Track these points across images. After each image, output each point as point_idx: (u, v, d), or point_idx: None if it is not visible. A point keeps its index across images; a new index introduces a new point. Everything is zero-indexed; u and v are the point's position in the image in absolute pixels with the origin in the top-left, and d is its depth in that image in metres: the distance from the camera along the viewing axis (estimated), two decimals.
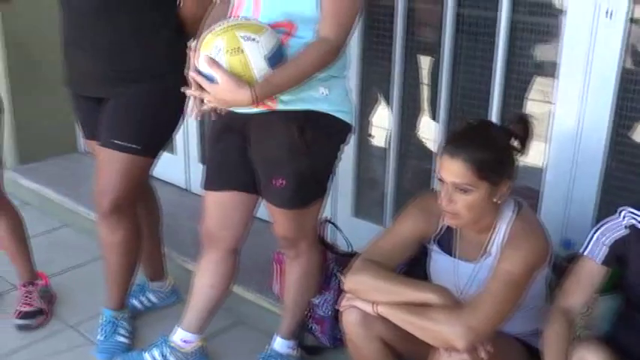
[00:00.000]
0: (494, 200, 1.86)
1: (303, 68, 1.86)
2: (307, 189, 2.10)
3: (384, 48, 2.80)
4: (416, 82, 2.84)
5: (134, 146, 2.32)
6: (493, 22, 2.47)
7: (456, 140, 1.87)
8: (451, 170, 1.82)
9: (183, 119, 2.40)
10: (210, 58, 1.79)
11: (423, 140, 2.92)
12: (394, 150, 2.89)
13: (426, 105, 2.87)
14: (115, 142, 2.32)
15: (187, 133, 3.70)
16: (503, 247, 1.89)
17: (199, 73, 1.83)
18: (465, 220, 1.88)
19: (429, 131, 2.83)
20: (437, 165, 1.89)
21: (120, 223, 2.43)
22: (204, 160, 3.70)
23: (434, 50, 2.72)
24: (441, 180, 1.86)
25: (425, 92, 2.86)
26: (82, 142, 4.11)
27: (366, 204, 3.08)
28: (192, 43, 2.10)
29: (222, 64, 1.78)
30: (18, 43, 3.85)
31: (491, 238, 1.94)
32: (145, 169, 2.42)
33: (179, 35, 2.33)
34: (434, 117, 2.78)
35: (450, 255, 2.02)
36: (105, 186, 2.38)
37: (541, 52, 2.49)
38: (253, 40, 1.78)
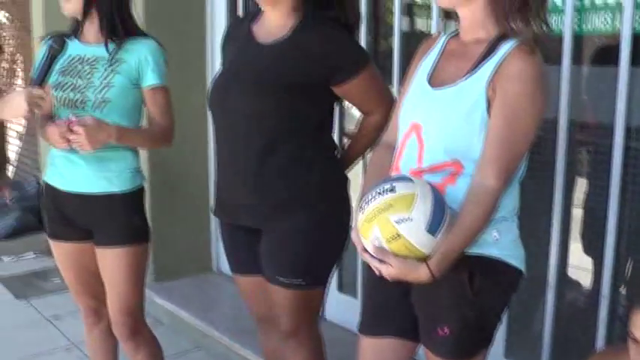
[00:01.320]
0: None
1: (470, 230, 1.75)
2: (472, 339, 1.94)
3: (542, 174, 2.67)
4: (577, 212, 2.69)
5: (299, 282, 2.29)
6: None
7: None
8: None
9: (345, 247, 2.34)
10: (376, 248, 1.72)
11: (585, 275, 2.73)
12: (553, 285, 2.70)
13: (586, 237, 2.70)
14: (279, 279, 2.30)
15: None
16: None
17: (371, 254, 1.76)
18: None
19: (588, 264, 2.65)
20: (631, 321, 1.69)
21: (298, 349, 2.42)
22: (341, 287, 3.61)
23: (598, 179, 2.57)
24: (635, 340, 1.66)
25: (586, 221, 2.69)
26: (217, 262, 4.14)
27: (519, 343, 2.87)
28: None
29: (387, 250, 1.71)
30: (160, 162, 3.96)
31: None
32: (317, 298, 2.39)
33: (333, 163, 2.34)
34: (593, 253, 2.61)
35: None
36: (282, 317, 2.38)
37: None
38: (407, 220, 1.68)
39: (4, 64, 7.86)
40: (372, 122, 2.34)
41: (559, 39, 2.56)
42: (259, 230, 2.33)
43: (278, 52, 2.23)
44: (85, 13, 2.52)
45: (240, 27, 2.38)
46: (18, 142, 7.58)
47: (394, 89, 2.95)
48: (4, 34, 7.77)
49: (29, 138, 6.59)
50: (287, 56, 2.21)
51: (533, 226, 2.80)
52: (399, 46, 3.09)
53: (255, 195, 2.27)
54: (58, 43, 2.44)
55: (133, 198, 2.63)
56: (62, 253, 2.70)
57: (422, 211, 1.68)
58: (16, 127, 7.20)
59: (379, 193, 1.72)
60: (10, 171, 7.84)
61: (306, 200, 2.26)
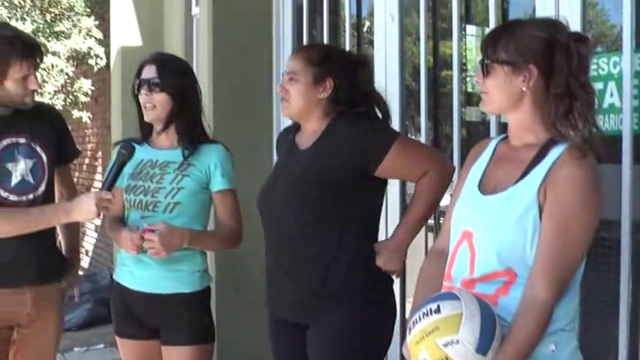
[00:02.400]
0: None
1: (523, 345, 1.70)
2: None
3: (607, 284, 2.59)
4: None
5: None
6: None
7: None
8: None
9: (390, 340, 2.33)
10: None
11: None
12: None
13: None
14: None
15: None
16: None
17: None
18: None
19: None
20: None
21: None
22: None
23: None
24: None
25: None
26: None
27: None
28: None
29: None
30: (225, 262, 4.03)
31: None
32: None
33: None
34: None
35: None
36: None
37: None
38: (454, 342, 1.65)
39: (86, 160, 8.23)
40: (425, 182, 2.35)
41: (618, 138, 2.55)
42: (306, 326, 2.34)
43: (310, 155, 2.33)
44: (169, 121, 2.65)
45: (287, 137, 2.51)
46: (94, 234, 7.84)
47: (455, 179, 2.94)
48: (87, 132, 8.17)
49: (105, 231, 6.82)
50: (318, 157, 2.31)
51: (599, 335, 2.72)
52: (458, 134, 3.09)
53: (300, 290, 2.31)
54: (127, 149, 2.56)
55: (201, 298, 2.69)
56: (128, 350, 2.76)
57: (470, 331, 1.64)
58: (94, 220, 7.46)
59: (425, 315, 1.69)
60: (86, 262, 8.09)
61: (350, 294, 2.28)
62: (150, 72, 2.63)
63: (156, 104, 2.61)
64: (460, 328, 1.64)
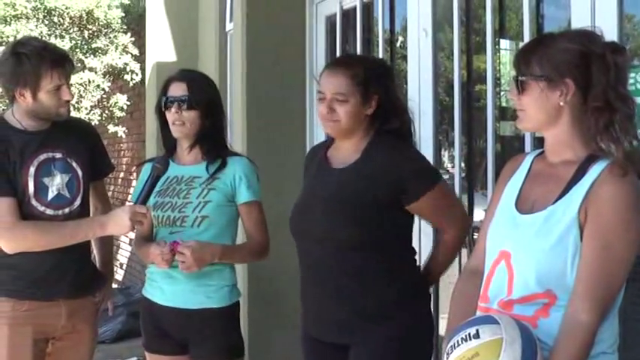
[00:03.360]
0: None
1: None
2: None
3: None
4: None
5: None
6: None
7: None
8: None
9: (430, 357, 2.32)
10: None
11: None
12: None
13: None
14: None
15: None
16: None
17: None
18: None
19: None
20: None
21: None
22: None
23: None
24: None
25: None
26: None
27: None
28: None
29: None
30: (256, 277, 4.03)
31: None
32: None
33: (414, 282, 2.33)
34: None
35: None
36: None
37: None
38: None
39: (121, 174, 8.32)
40: (447, 241, 2.40)
41: None
42: (346, 346, 2.32)
43: (348, 175, 2.31)
44: (195, 138, 2.67)
45: (318, 154, 2.48)
46: (128, 247, 7.91)
47: (488, 193, 2.91)
48: (122, 146, 8.27)
49: None
50: (357, 179, 2.28)
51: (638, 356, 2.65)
52: (493, 148, 3.05)
53: (341, 310, 2.29)
54: (162, 163, 2.59)
55: (230, 313, 2.69)
56: None
57: (511, 356, 1.59)
58: (128, 233, 7.53)
59: (464, 340, 1.64)
60: (120, 275, 8.16)
61: (391, 313, 2.26)
62: (179, 90, 2.65)
63: (185, 121, 2.63)
64: (501, 354, 1.59)
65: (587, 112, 1.72)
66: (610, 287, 1.67)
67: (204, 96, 2.67)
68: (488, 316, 1.73)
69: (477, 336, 1.63)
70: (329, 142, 2.47)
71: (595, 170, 1.69)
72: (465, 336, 1.64)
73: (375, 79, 2.31)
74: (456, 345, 1.65)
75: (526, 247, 1.74)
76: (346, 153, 2.35)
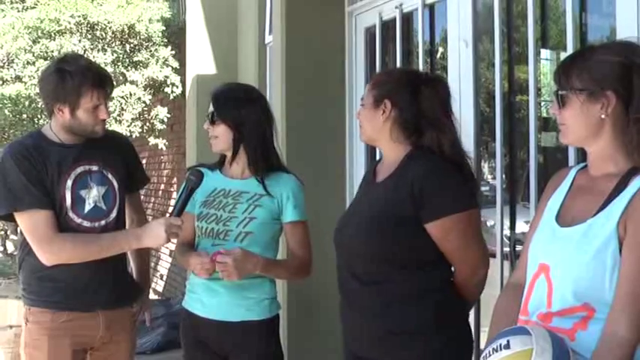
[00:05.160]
0: None
1: None
2: None
3: None
4: None
5: None
6: None
7: None
8: None
9: None
10: None
11: None
12: None
13: None
14: None
15: None
16: None
17: None
18: None
19: None
20: None
21: None
22: None
23: None
24: None
25: None
26: None
27: None
28: None
29: None
30: (297, 290, 4.02)
31: None
32: None
33: (450, 299, 2.28)
34: None
35: None
36: None
37: None
38: None
39: (162, 186, 8.40)
40: (460, 284, 2.29)
41: None
42: None
43: (383, 188, 2.28)
44: (234, 150, 2.68)
45: (372, 168, 2.45)
46: (169, 258, 7.97)
47: (531, 206, 2.85)
48: (162, 158, 8.35)
49: None
50: (385, 192, 2.25)
51: None
52: (535, 160, 2.99)
53: (374, 327, 2.25)
54: (196, 175, 2.60)
55: (270, 326, 2.69)
56: None
57: None
58: (168, 244, 7.59)
59: (495, 350, 1.64)
60: (161, 286, 8.22)
61: (426, 330, 2.22)
62: (210, 105, 2.70)
63: (217, 135, 2.67)
64: None
65: (629, 125, 1.69)
66: None
67: (229, 108, 2.67)
68: (521, 327, 1.72)
69: (507, 346, 1.63)
70: (382, 156, 2.45)
71: (636, 183, 1.67)
72: (497, 346, 1.64)
73: (388, 86, 2.28)
74: (488, 355, 1.66)
75: (564, 261, 1.72)
76: (387, 165, 2.33)
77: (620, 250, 1.65)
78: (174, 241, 2.72)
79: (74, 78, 2.60)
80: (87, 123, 2.65)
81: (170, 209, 7.82)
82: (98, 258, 2.63)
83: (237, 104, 2.70)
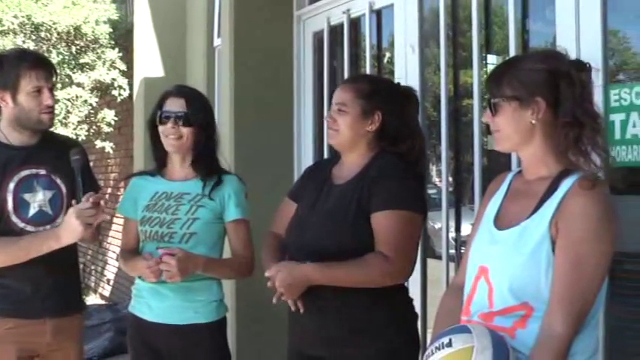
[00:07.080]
0: None
1: None
2: None
3: (635, 318, 2.53)
4: None
5: None
6: None
7: None
8: None
9: None
10: None
11: None
12: None
13: None
14: None
15: None
16: None
17: None
18: None
19: None
20: None
21: None
22: None
23: None
24: None
25: None
26: None
27: None
28: None
29: None
30: (245, 288, 4.00)
31: None
32: None
33: (405, 298, 2.34)
34: None
35: None
36: None
37: None
38: None
39: (109, 190, 8.28)
40: (379, 263, 2.24)
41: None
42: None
43: (342, 191, 2.32)
44: (194, 153, 2.67)
45: (323, 169, 2.50)
46: (115, 262, 7.86)
47: (476, 208, 2.90)
48: (110, 161, 8.24)
49: None
50: (348, 194, 2.30)
51: None
52: (480, 163, 3.04)
53: (329, 324, 2.29)
54: (78, 154, 2.60)
55: (218, 328, 2.69)
56: None
57: None
58: (114, 249, 7.50)
59: (437, 348, 1.69)
60: (108, 291, 8.10)
61: (379, 327, 2.26)
62: (177, 105, 2.65)
63: (182, 135, 2.64)
64: None
65: (557, 129, 1.77)
66: (583, 299, 1.69)
67: (202, 114, 2.69)
68: (462, 326, 1.77)
69: (449, 345, 1.67)
70: (335, 159, 2.49)
71: (566, 184, 1.74)
72: (439, 345, 1.69)
73: (380, 98, 2.35)
74: (431, 354, 1.70)
75: (502, 262, 1.78)
76: (348, 167, 2.38)
77: (554, 250, 1.71)
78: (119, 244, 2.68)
79: (11, 61, 2.59)
80: (30, 109, 2.60)
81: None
82: (21, 261, 2.55)
83: (206, 110, 2.73)
